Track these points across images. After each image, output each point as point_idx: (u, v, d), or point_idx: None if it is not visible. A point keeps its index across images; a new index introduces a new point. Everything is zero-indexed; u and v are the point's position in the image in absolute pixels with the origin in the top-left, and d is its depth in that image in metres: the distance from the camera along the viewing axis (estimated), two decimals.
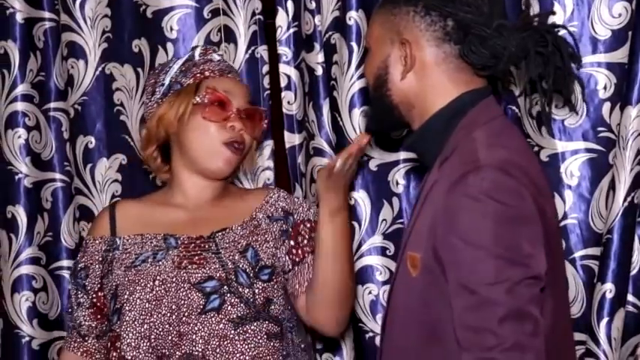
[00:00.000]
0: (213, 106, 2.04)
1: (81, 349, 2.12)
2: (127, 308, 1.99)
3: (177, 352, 1.95)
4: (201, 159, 2.05)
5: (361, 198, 2.43)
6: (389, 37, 1.69)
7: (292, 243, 2.06)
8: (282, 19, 2.49)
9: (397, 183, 2.43)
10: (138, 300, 1.98)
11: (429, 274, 1.56)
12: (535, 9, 2.21)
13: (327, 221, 1.96)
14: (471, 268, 1.48)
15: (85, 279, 2.09)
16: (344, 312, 2.05)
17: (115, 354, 2.00)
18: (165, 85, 2.09)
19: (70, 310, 2.15)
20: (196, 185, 2.09)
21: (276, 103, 2.52)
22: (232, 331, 1.96)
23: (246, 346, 1.96)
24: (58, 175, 2.72)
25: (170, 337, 1.95)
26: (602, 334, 2.17)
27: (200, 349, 1.94)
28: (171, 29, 2.54)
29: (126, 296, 1.99)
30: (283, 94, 2.50)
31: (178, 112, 2.05)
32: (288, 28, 2.49)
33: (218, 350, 1.95)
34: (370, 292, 2.43)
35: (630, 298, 2.22)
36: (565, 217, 2.26)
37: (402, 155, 2.41)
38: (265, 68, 2.53)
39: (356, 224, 2.42)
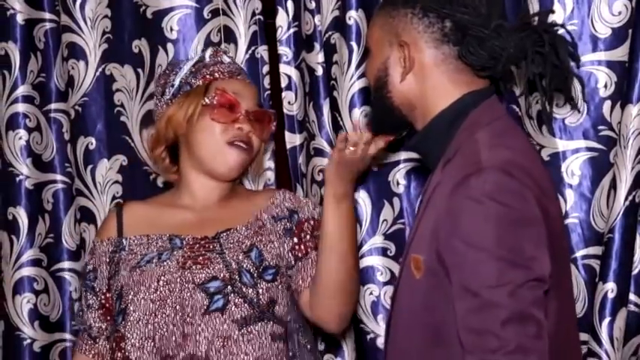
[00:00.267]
0: (222, 108, 2.04)
1: (92, 351, 2.12)
2: (131, 308, 1.99)
3: (182, 353, 1.95)
4: (208, 160, 2.05)
5: (362, 198, 2.43)
6: (388, 39, 1.69)
7: (295, 240, 2.07)
8: (282, 19, 2.49)
9: (398, 183, 2.42)
10: (142, 300, 1.98)
11: (433, 276, 1.56)
12: (535, 8, 2.21)
13: (332, 207, 1.96)
14: (473, 271, 1.48)
15: (94, 281, 2.10)
16: (348, 307, 2.05)
17: (119, 354, 2.01)
18: (175, 85, 2.10)
19: (80, 312, 2.15)
20: (204, 186, 2.10)
21: (277, 103, 2.52)
22: (236, 332, 1.96)
23: (250, 347, 1.96)
24: (59, 177, 2.72)
25: (174, 338, 1.95)
26: (604, 334, 2.17)
27: (204, 350, 1.94)
28: (172, 30, 2.54)
29: (130, 297, 2.00)
30: (284, 94, 2.50)
31: (187, 113, 2.05)
32: (289, 28, 2.49)
33: (222, 351, 1.95)
34: (371, 293, 2.43)
35: (632, 297, 2.22)
36: (566, 216, 2.26)
37: (403, 155, 2.41)
38: (265, 68, 2.52)
39: (357, 224, 2.42)
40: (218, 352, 1.95)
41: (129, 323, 1.99)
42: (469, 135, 1.61)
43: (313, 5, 2.43)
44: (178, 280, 1.98)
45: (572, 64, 1.65)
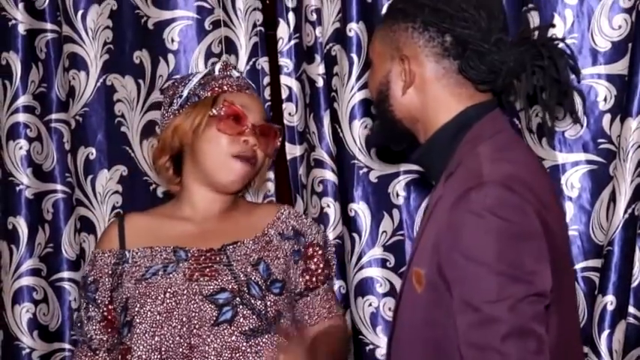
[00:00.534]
0: (228, 119, 2.05)
1: None
2: (137, 321, 1.99)
3: None
4: (212, 171, 2.06)
5: (361, 209, 2.43)
6: (389, 53, 1.69)
7: (305, 266, 2.11)
8: (283, 30, 2.50)
9: (397, 195, 2.43)
10: (149, 312, 1.98)
11: (434, 290, 1.56)
12: (535, 22, 2.21)
13: None
14: (473, 285, 1.47)
15: (95, 292, 2.09)
16: None
17: None
18: (184, 97, 2.10)
19: (79, 323, 2.15)
20: (205, 198, 2.10)
21: (277, 114, 2.53)
22: (244, 344, 1.96)
23: (258, 359, 1.96)
24: (59, 187, 2.72)
25: (181, 350, 1.95)
26: (603, 347, 2.17)
27: None
28: (173, 41, 2.54)
29: (136, 309, 1.99)
30: (284, 105, 2.51)
31: (194, 123, 2.06)
32: (289, 40, 2.50)
33: None
34: (370, 305, 2.43)
35: (631, 310, 2.22)
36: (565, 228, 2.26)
37: (403, 167, 2.42)
38: (266, 80, 2.53)
39: (356, 236, 2.42)
40: None
41: (135, 335, 1.99)
42: (471, 148, 1.61)
43: (314, 17, 2.44)
44: (185, 292, 1.98)
45: (573, 77, 1.66)
